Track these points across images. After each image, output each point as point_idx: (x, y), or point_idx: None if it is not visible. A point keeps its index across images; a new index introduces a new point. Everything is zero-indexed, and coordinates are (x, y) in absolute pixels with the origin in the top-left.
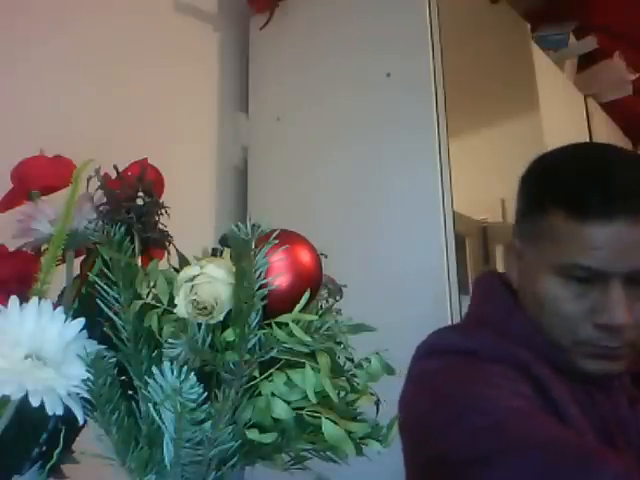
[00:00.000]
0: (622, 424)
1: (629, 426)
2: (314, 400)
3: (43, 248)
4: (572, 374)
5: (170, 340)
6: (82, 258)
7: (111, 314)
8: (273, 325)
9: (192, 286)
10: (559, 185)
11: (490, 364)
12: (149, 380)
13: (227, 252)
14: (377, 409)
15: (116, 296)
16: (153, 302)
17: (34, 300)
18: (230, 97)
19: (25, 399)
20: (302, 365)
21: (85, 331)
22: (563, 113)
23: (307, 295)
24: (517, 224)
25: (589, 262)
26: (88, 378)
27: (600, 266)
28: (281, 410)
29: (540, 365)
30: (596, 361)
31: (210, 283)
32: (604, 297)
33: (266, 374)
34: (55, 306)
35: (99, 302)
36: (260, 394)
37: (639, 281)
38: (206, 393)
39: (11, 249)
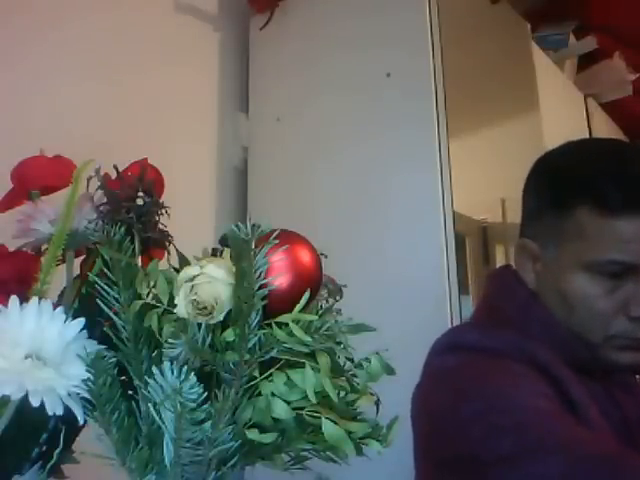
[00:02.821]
0: None
1: None
2: (314, 400)
3: (43, 248)
4: (593, 372)
5: (170, 340)
6: (82, 258)
7: (111, 314)
8: (273, 325)
9: (192, 286)
10: (581, 183)
11: (510, 362)
12: (149, 380)
13: (227, 252)
14: (377, 409)
15: (116, 296)
16: (153, 302)
17: (34, 300)
18: (230, 97)
19: (25, 399)
20: (302, 365)
21: (85, 331)
22: (563, 113)
23: (307, 295)
24: (528, 225)
25: (622, 257)
26: (88, 378)
27: (633, 259)
28: (281, 410)
29: (559, 365)
30: (631, 353)
31: (210, 283)
32: (637, 290)
33: (266, 374)
34: (55, 306)
35: (99, 302)
36: (260, 394)
37: None
38: (206, 393)
39: (11, 249)
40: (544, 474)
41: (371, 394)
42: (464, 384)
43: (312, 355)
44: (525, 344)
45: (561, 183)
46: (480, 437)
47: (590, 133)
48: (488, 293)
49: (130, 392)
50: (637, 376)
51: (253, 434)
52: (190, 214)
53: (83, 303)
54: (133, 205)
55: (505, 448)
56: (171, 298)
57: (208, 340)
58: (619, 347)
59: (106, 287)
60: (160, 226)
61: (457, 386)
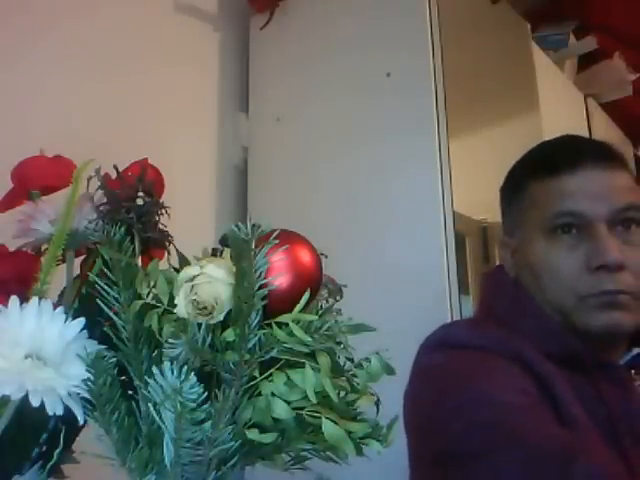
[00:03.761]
0: (630, 420)
1: (638, 422)
2: (314, 400)
3: (43, 248)
4: (584, 367)
5: (170, 340)
6: (82, 258)
7: (111, 314)
8: (273, 325)
9: (192, 286)
10: (533, 162)
11: (496, 359)
12: (149, 380)
13: (227, 252)
14: (377, 409)
15: (116, 296)
16: (153, 302)
17: (34, 300)
18: (230, 97)
19: (25, 399)
20: (302, 365)
21: (85, 331)
22: (563, 113)
23: (307, 295)
24: (504, 222)
25: (569, 206)
26: (88, 378)
27: (578, 209)
28: (281, 410)
29: (544, 362)
30: (604, 313)
31: (210, 283)
32: (593, 242)
33: (266, 374)
34: (55, 306)
35: (99, 302)
36: (260, 394)
37: (623, 224)
38: (206, 393)
39: (11, 249)
40: (508, 468)
41: (371, 394)
42: (448, 382)
43: (312, 355)
44: (511, 341)
45: (518, 173)
46: (458, 432)
47: (590, 133)
48: (482, 293)
49: (130, 392)
50: (632, 371)
51: (253, 434)
52: (190, 214)
53: (83, 303)
54: (133, 205)
55: (478, 443)
56: (171, 298)
57: (208, 340)
58: (592, 307)
59: (106, 287)
60: (160, 226)
61: (441, 384)
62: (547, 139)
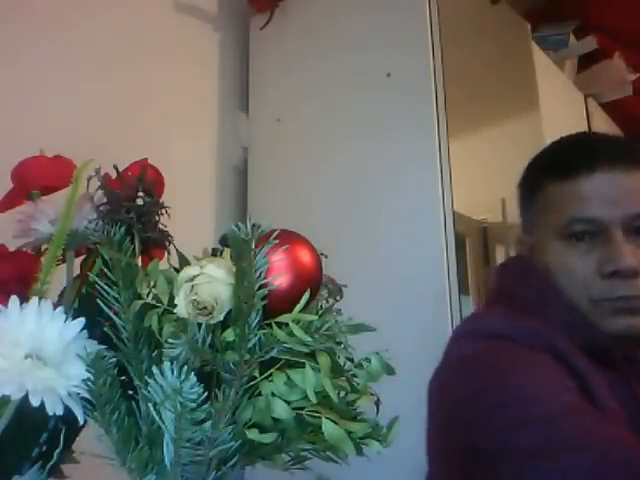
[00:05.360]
0: None
1: None
2: (314, 400)
3: (43, 248)
4: (612, 361)
5: (170, 340)
6: (82, 258)
7: (111, 314)
8: (273, 325)
9: (192, 286)
10: (550, 161)
11: (531, 352)
12: (149, 380)
13: (227, 252)
14: (377, 409)
15: (116, 296)
16: (153, 302)
17: (34, 300)
18: (230, 97)
19: (25, 399)
20: (302, 365)
21: (85, 331)
22: (563, 113)
23: (307, 295)
24: (522, 221)
25: (582, 213)
26: (88, 378)
27: (593, 215)
28: (281, 410)
29: (578, 355)
30: (618, 318)
31: (210, 283)
32: (607, 248)
33: (266, 374)
34: (55, 306)
35: (99, 302)
36: (260, 394)
37: (638, 230)
38: (206, 393)
39: (11, 249)
40: (570, 472)
41: (371, 394)
42: (486, 373)
43: (312, 355)
44: (546, 333)
45: (536, 172)
46: (499, 429)
47: None
48: (501, 282)
49: (130, 392)
50: None
51: (253, 434)
52: (190, 214)
53: (83, 303)
54: (133, 205)
55: (525, 442)
56: (171, 298)
57: (208, 340)
58: (606, 312)
59: (106, 287)
60: (160, 226)
61: (478, 375)
62: (564, 136)
